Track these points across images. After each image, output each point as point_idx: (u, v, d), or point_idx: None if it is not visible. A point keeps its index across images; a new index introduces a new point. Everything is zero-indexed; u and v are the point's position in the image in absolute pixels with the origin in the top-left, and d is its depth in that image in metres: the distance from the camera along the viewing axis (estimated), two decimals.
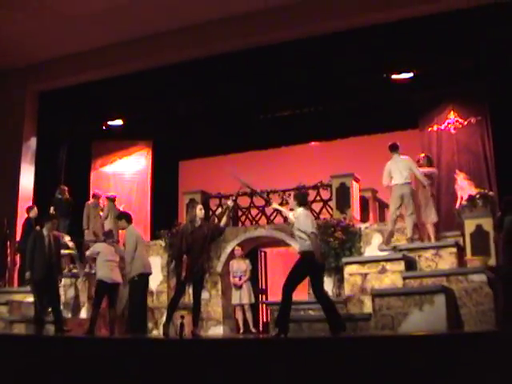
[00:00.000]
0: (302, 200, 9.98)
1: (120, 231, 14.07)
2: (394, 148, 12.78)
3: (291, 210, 10.17)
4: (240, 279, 14.10)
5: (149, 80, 16.38)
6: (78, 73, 16.66)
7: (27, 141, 17.28)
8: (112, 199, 15.85)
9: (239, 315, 14.31)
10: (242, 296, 14.12)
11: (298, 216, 9.70)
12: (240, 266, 14.24)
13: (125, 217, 11.81)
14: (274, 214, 15.02)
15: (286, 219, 14.11)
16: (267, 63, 15.37)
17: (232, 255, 14.49)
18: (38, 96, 17.84)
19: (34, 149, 17.45)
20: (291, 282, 9.45)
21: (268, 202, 11.89)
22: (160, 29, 15.44)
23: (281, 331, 9.23)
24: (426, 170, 12.93)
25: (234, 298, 14.27)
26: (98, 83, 16.75)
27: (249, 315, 14.15)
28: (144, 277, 11.34)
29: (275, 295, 15.39)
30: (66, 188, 15.92)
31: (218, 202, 15.48)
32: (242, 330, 14.19)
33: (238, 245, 14.45)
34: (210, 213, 15.43)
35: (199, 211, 10.65)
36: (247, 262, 14.43)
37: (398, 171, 12.41)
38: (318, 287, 9.54)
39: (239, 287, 14.13)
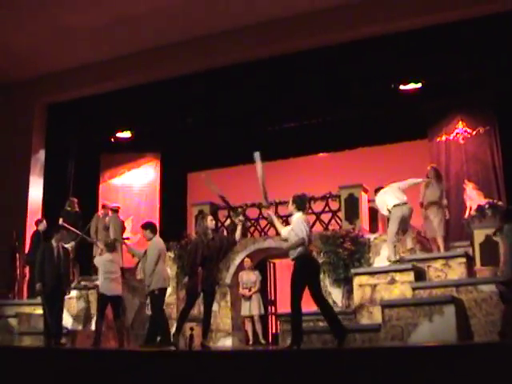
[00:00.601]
0: (301, 204, 9.82)
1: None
2: (376, 190, 12.94)
3: (290, 214, 10.08)
4: (249, 290, 14.11)
5: (157, 92, 16.42)
6: (86, 85, 16.70)
7: (36, 153, 17.30)
8: (115, 210, 15.77)
9: (249, 327, 14.30)
10: (252, 307, 14.10)
11: (296, 220, 9.60)
12: (250, 278, 14.21)
13: (149, 227, 11.59)
14: (284, 225, 14.91)
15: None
16: (275, 74, 15.38)
17: (241, 267, 14.47)
18: (46, 108, 17.86)
19: (43, 161, 17.47)
20: (295, 292, 9.34)
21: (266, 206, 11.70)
22: (167, 40, 15.46)
23: (294, 343, 9.15)
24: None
25: (243, 309, 14.25)
26: (105, 95, 16.78)
27: (258, 326, 14.12)
28: (163, 290, 11.31)
29: (284, 306, 15.36)
30: (76, 200, 15.87)
31: (227, 213, 15.46)
32: (251, 342, 14.17)
33: (248, 256, 14.42)
34: (219, 224, 15.42)
35: (210, 222, 10.67)
36: (257, 273, 14.41)
37: (392, 196, 12.42)
38: (315, 293, 9.40)
39: (248, 298, 14.12)
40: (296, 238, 9.34)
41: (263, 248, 14.61)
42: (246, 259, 14.43)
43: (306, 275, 9.34)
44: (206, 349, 10.21)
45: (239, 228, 10.73)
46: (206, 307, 10.54)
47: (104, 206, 16.07)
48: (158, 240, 11.55)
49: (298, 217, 9.63)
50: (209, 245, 10.42)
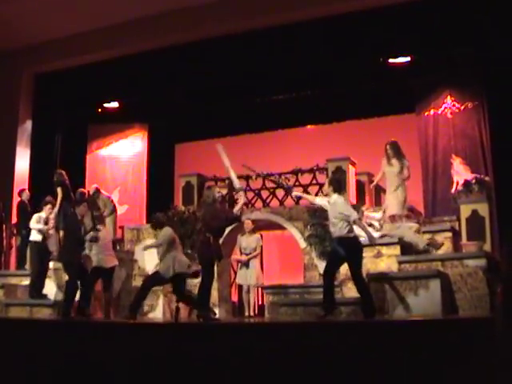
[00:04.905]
0: (338, 186, 10.07)
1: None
2: None
3: (326, 195, 10.23)
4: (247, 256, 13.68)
5: (145, 62, 16.33)
6: (74, 55, 16.61)
7: (23, 124, 17.23)
8: (97, 190, 15.48)
9: (245, 296, 13.87)
10: (249, 276, 13.67)
11: (335, 202, 9.81)
12: (249, 243, 13.75)
13: (155, 222, 11.87)
14: (270, 198, 15.01)
15: (282, 202, 14.17)
16: (264, 46, 15.31)
17: (241, 230, 14.12)
18: (33, 79, 17.78)
19: (30, 132, 17.41)
20: (331, 267, 9.80)
21: (289, 191, 12.01)
22: (156, 11, 15.39)
23: (327, 313, 9.50)
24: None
25: (239, 277, 13.92)
26: (93, 66, 16.68)
27: (252, 297, 13.74)
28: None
29: (271, 279, 15.41)
30: (64, 172, 15.44)
31: (214, 184, 15.44)
32: (248, 313, 13.77)
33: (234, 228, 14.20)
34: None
35: (217, 193, 10.88)
36: (258, 236, 14.00)
37: None
38: (355, 272, 9.70)
39: (246, 265, 13.71)
40: (338, 221, 9.64)
41: (250, 220, 14.59)
42: (247, 221, 13.84)
43: (348, 254, 9.67)
44: (210, 320, 10.26)
45: (241, 202, 10.81)
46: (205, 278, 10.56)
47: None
48: (166, 229, 11.51)
49: (336, 198, 9.87)
50: (220, 215, 10.58)
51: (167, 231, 11.35)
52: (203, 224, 10.80)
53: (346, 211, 9.66)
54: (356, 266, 9.70)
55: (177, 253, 11.13)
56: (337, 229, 9.70)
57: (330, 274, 9.78)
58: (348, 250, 9.58)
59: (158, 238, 11.43)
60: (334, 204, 9.80)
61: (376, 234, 11.93)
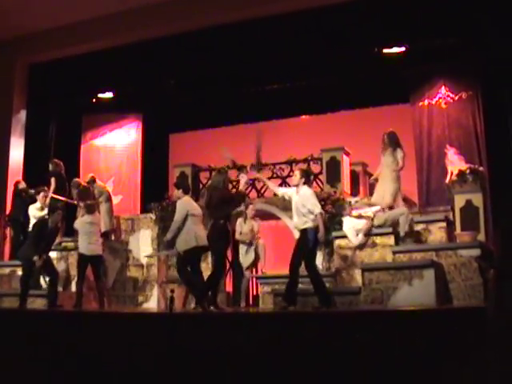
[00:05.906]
0: (308, 178, 10.32)
1: None
2: None
3: (296, 185, 10.28)
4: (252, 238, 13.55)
5: (139, 53, 16.28)
6: (69, 45, 16.54)
7: (17, 114, 17.16)
8: (93, 180, 15.44)
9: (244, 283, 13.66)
10: (250, 256, 13.53)
11: (304, 193, 10.03)
12: (253, 226, 13.67)
13: (182, 186, 11.16)
14: (265, 188, 15.02)
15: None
16: (258, 36, 15.28)
17: (243, 215, 13.91)
18: (27, 69, 17.70)
19: (24, 122, 17.34)
20: (297, 259, 9.93)
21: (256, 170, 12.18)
22: (150, 1, 15.34)
23: (290, 304, 9.75)
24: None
25: (241, 257, 13.65)
26: (88, 56, 16.61)
27: (244, 284, 13.61)
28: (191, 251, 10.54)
29: (265, 268, 15.41)
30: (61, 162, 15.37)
31: (209, 175, 15.44)
32: (246, 302, 13.68)
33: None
34: (201, 186, 15.51)
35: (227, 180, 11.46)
36: (259, 221, 13.92)
37: None
38: (310, 261, 9.96)
39: (249, 245, 13.57)
40: (306, 212, 9.91)
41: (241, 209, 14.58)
42: (252, 206, 13.82)
43: (315, 244, 10.02)
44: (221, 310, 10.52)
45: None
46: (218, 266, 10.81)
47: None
48: (187, 199, 10.84)
49: (306, 190, 10.11)
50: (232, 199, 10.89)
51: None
52: (215, 208, 10.60)
53: (311, 205, 9.88)
54: (311, 257, 10.12)
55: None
56: (308, 219, 9.94)
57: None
58: (311, 241, 9.86)
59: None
60: (303, 196, 10.02)
61: (363, 222, 11.91)
